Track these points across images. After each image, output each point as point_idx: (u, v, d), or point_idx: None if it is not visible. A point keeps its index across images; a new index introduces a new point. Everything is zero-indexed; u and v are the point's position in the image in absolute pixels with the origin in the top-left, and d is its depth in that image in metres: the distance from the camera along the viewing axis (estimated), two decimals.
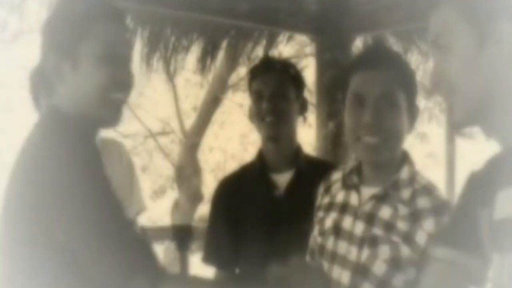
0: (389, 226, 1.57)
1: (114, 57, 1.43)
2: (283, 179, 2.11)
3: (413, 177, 1.62)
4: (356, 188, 1.66)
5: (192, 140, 8.49)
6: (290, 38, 3.66)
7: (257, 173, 2.13)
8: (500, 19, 1.13)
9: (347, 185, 1.70)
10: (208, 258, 2.20)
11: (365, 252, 1.57)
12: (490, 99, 1.15)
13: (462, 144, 8.81)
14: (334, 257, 1.64)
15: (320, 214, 1.75)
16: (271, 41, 3.49)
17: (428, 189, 1.58)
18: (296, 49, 7.30)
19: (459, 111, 1.17)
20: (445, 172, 5.01)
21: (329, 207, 1.72)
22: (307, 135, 3.46)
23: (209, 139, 9.93)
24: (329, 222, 1.68)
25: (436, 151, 9.11)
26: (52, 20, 1.47)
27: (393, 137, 1.60)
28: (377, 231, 1.58)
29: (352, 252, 1.60)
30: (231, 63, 4.52)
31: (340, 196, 1.71)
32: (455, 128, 1.20)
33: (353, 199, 1.66)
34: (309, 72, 3.55)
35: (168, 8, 2.98)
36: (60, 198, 1.31)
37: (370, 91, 1.59)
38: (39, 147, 1.39)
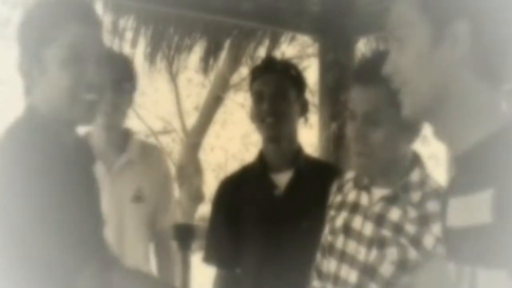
0: (397, 228, 1.58)
1: (79, 59, 1.44)
2: (283, 179, 2.11)
3: (423, 180, 1.62)
4: (367, 188, 1.67)
5: (194, 140, 8.50)
6: (292, 39, 3.66)
7: (258, 173, 2.13)
8: (458, 20, 1.09)
9: (359, 186, 1.70)
10: (209, 258, 2.21)
11: (373, 253, 1.58)
12: (440, 99, 1.12)
13: None
14: (343, 256, 1.65)
15: (331, 212, 1.75)
16: (274, 42, 3.48)
17: (439, 193, 1.57)
18: (299, 49, 7.30)
19: (408, 104, 1.15)
20: (446, 173, 5.02)
21: (341, 206, 1.73)
22: (309, 136, 3.46)
23: (210, 138, 9.95)
24: (339, 221, 1.69)
25: (437, 153, 9.10)
26: (20, 25, 1.50)
27: (379, 149, 1.61)
28: (386, 232, 1.58)
29: (360, 252, 1.61)
30: (234, 63, 4.52)
31: (351, 196, 1.72)
32: (407, 120, 1.18)
33: (364, 199, 1.67)
34: (312, 73, 3.55)
35: (171, 8, 2.99)
36: (19, 191, 1.36)
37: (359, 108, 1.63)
38: (11, 145, 1.43)
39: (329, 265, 1.69)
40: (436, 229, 1.52)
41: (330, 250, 1.70)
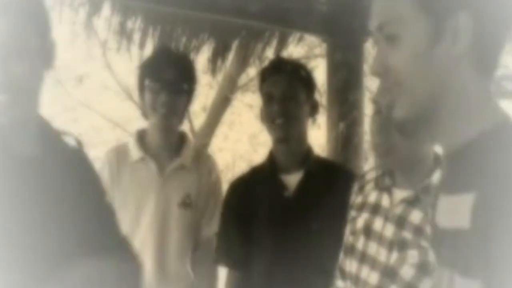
0: (418, 231, 1.57)
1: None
2: (292, 179, 2.10)
3: None
4: (388, 190, 1.67)
5: (201, 141, 8.49)
6: (300, 39, 3.65)
7: (267, 174, 2.14)
8: (459, 13, 1.02)
9: (380, 186, 1.70)
10: (220, 259, 2.21)
11: (394, 255, 1.58)
12: (437, 98, 1.06)
13: None
14: (364, 258, 1.65)
15: (352, 213, 1.75)
16: (282, 42, 3.48)
17: None
18: (306, 50, 7.29)
19: (404, 106, 1.07)
20: None
21: (361, 206, 1.72)
22: (318, 137, 3.45)
23: (218, 139, 9.94)
24: (360, 222, 1.69)
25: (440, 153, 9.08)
26: None
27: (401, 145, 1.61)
28: (407, 235, 1.58)
29: (381, 254, 1.60)
30: (241, 63, 4.52)
31: (372, 197, 1.71)
32: (396, 123, 1.09)
33: (385, 201, 1.66)
34: (319, 73, 3.53)
35: (179, 8, 2.99)
36: None
37: None
38: None
39: (351, 265, 1.69)
40: None
41: (351, 250, 1.69)
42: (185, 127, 2.86)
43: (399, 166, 1.63)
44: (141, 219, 2.28)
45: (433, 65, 1.04)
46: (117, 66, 7.69)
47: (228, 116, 9.87)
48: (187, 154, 2.35)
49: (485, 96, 1.06)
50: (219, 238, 2.22)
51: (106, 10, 3.18)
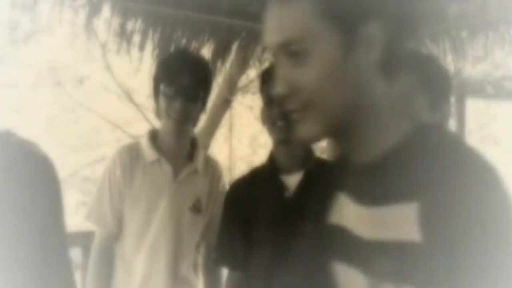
0: None
1: None
2: (293, 180, 2.10)
3: None
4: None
5: (201, 142, 8.50)
6: None
7: (268, 175, 2.13)
8: (369, 22, 0.97)
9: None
10: (220, 259, 2.21)
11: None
12: (353, 111, 1.00)
13: (479, 146, 8.75)
14: None
15: None
16: None
17: None
18: None
19: (315, 123, 1.00)
20: None
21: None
22: None
23: (218, 141, 9.94)
24: None
25: None
26: None
27: None
28: None
29: None
30: (242, 65, 4.52)
31: None
32: (308, 141, 1.02)
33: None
34: None
35: (179, 10, 2.99)
36: None
37: None
38: None
39: None
40: None
41: None
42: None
43: None
44: (152, 220, 2.27)
45: (346, 78, 0.99)
46: (117, 67, 7.70)
47: (228, 117, 9.88)
48: (199, 160, 2.35)
49: (396, 103, 1.03)
50: (219, 239, 2.23)
51: (106, 11, 3.19)
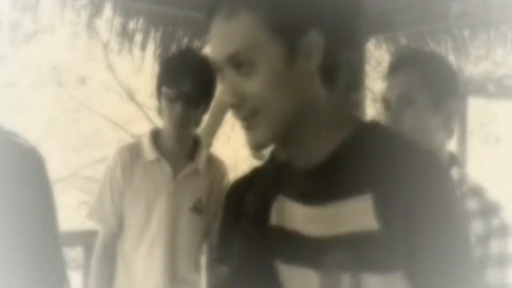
0: None
1: None
2: None
3: (462, 179, 1.61)
4: None
5: (203, 142, 8.50)
6: None
7: (268, 175, 2.13)
8: (310, 30, 1.02)
9: None
10: (220, 258, 2.21)
11: None
12: (296, 117, 1.06)
13: (474, 147, 8.77)
14: None
15: None
16: None
17: (477, 191, 1.58)
18: None
19: (263, 130, 1.07)
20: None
21: None
22: None
23: (220, 140, 9.94)
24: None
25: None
26: None
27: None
28: None
29: None
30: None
31: None
32: (254, 149, 1.10)
33: None
34: None
35: (181, 9, 2.99)
36: None
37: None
38: None
39: None
40: (475, 227, 1.53)
41: None
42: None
43: None
44: (152, 220, 2.27)
45: (290, 85, 1.04)
46: (119, 67, 7.71)
47: (230, 117, 9.88)
48: (200, 160, 2.33)
49: (336, 106, 1.09)
50: (219, 238, 2.23)
51: (107, 11, 3.19)
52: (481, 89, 6.11)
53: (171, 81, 2.20)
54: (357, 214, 1.03)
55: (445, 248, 1.00)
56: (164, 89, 2.21)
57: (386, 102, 1.65)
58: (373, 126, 1.12)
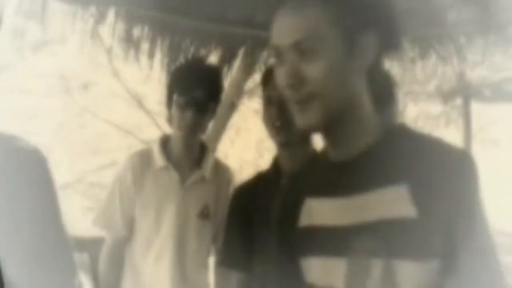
0: None
1: None
2: None
3: None
4: None
5: (210, 148, 8.49)
6: None
7: (271, 180, 2.15)
8: (367, 31, 1.14)
9: None
10: (226, 262, 2.24)
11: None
12: (346, 106, 1.16)
13: (478, 148, 8.73)
14: None
15: None
16: None
17: None
18: None
19: (315, 114, 1.16)
20: None
21: None
22: (317, 139, 3.52)
23: (225, 145, 9.96)
24: None
25: None
26: None
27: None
28: None
29: None
30: (248, 70, 4.59)
31: None
32: (303, 132, 1.19)
33: None
34: None
35: (187, 19, 3.04)
36: None
37: None
38: None
39: None
40: None
41: None
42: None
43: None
44: (161, 226, 2.32)
45: (345, 77, 1.16)
46: (126, 74, 7.74)
47: (235, 121, 9.90)
48: (208, 167, 2.39)
49: (373, 107, 1.20)
50: (224, 241, 2.25)
51: (111, 18, 3.23)
52: (479, 93, 6.12)
53: (182, 88, 2.28)
54: (391, 202, 1.12)
55: (482, 239, 1.09)
56: (175, 96, 2.28)
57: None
58: (404, 124, 1.23)
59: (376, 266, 1.11)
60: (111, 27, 3.26)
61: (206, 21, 3.02)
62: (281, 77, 1.17)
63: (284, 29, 1.17)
